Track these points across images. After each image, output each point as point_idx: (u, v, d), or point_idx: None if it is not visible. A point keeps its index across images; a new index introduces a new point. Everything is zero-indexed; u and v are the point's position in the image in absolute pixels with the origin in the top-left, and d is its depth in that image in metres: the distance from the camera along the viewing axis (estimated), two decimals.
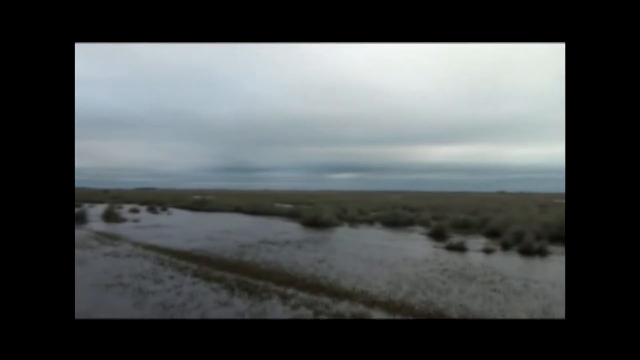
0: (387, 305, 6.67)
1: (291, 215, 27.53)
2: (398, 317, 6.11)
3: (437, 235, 16.84)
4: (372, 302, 6.85)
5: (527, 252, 12.66)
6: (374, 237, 16.54)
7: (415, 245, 14.25)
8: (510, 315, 6.32)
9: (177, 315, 6.11)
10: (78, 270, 9.36)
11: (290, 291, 7.57)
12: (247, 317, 6.03)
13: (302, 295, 7.32)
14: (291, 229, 19.48)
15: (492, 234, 17.17)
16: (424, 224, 22.07)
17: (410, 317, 6.09)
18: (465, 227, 19.79)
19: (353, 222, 23.93)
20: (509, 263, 11.15)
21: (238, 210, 34.58)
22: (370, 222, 24.14)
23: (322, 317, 6.04)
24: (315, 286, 7.97)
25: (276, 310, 6.38)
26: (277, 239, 15.37)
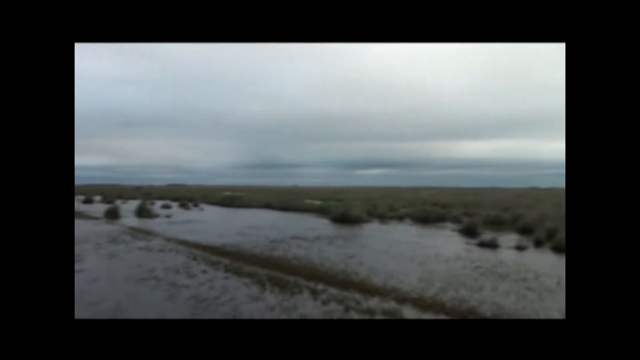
0: (418, 302, 6.63)
1: (321, 212, 27.58)
2: (429, 314, 6.07)
3: (469, 231, 16.64)
4: (404, 299, 6.81)
5: (560, 249, 12.36)
6: (405, 234, 16.42)
7: (447, 242, 14.09)
8: (543, 314, 6.20)
9: (210, 308, 6.20)
10: (112, 264, 9.63)
11: (320, 287, 7.59)
12: (277, 311, 6.08)
13: (333, 290, 7.33)
14: (321, 225, 19.50)
15: (525, 231, 16.83)
16: (455, 220, 21.82)
17: (443, 316, 6.04)
18: (497, 224, 19.50)
19: (383, 218, 23.76)
20: (542, 260, 10.91)
21: (268, 206, 34.77)
22: (400, 218, 23.93)
23: (353, 312, 6.05)
24: (345, 282, 7.97)
25: (307, 305, 6.41)
26: (307, 235, 15.42)
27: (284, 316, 5.85)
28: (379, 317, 5.87)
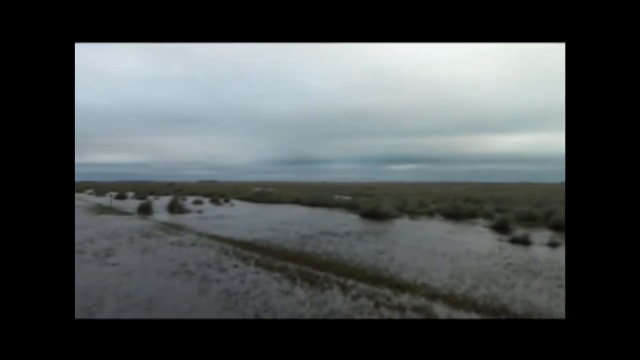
0: (449, 299, 6.57)
1: (350, 207, 27.56)
2: (461, 311, 6.01)
3: (501, 228, 16.36)
4: (434, 295, 6.76)
5: None
6: (435, 230, 16.28)
7: (478, 239, 13.91)
8: None
9: (241, 302, 6.29)
10: (145, 258, 9.85)
11: (350, 282, 7.60)
12: (308, 305, 6.13)
13: (363, 286, 7.34)
14: (351, 221, 19.49)
15: (558, 227, 16.46)
16: (487, 216, 21.52)
17: (475, 315, 5.98)
18: (529, 220, 19.12)
19: (413, 214, 23.61)
20: None
21: (298, 202, 34.93)
22: (431, 214, 23.74)
23: (383, 308, 6.04)
24: (376, 278, 7.96)
25: (337, 300, 6.44)
26: (337, 231, 15.44)
27: (315, 311, 5.88)
28: (409, 313, 5.86)
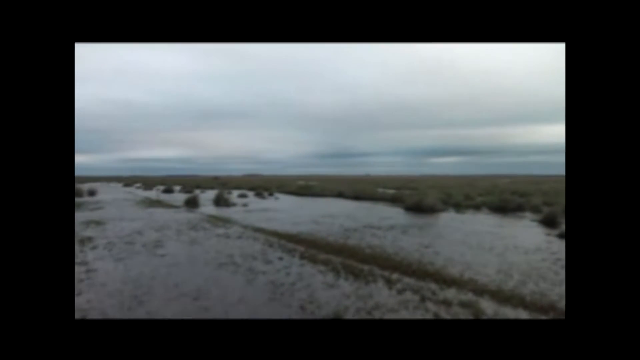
0: (496, 295, 6.45)
1: (394, 200, 27.39)
2: (508, 307, 5.90)
3: (549, 222, 15.88)
4: (481, 291, 6.65)
5: None
6: (481, 224, 15.97)
7: (526, 233, 13.55)
8: None
9: (287, 294, 6.38)
10: (193, 249, 10.09)
11: (395, 276, 7.57)
12: (353, 298, 6.15)
13: (408, 280, 7.30)
14: (395, 214, 19.36)
15: None
16: (535, 209, 20.92)
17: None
18: None
19: (458, 207, 23.23)
20: None
21: (340, 195, 34.94)
22: (477, 207, 23.30)
23: (429, 303, 6.00)
24: (421, 272, 7.89)
25: (382, 294, 6.43)
26: (381, 224, 15.37)
27: (360, 304, 5.90)
28: (456, 308, 5.80)
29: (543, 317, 5.47)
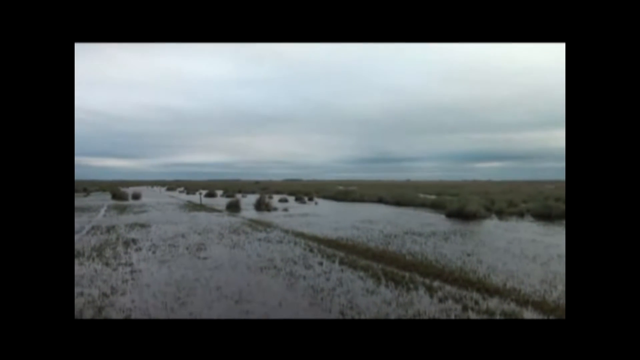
0: (540, 306, 6.22)
1: (435, 207, 27.03)
2: (552, 318, 5.71)
3: None
4: (525, 301, 6.43)
5: None
6: (525, 231, 15.52)
7: None
8: None
9: (327, 299, 6.37)
10: (235, 253, 10.24)
11: (436, 283, 7.44)
12: (394, 306, 6.08)
13: (450, 288, 7.16)
14: (436, 221, 19.08)
15: None
16: None
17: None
18: None
19: (501, 214, 22.72)
20: None
21: (381, 200, 34.70)
22: (521, 214, 22.71)
23: (471, 312, 5.86)
24: (463, 280, 7.73)
25: (423, 302, 6.33)
26: (422, 230, 15.17)
27: (401, 311, 5.83)
28: (498, 318, 5.65)
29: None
